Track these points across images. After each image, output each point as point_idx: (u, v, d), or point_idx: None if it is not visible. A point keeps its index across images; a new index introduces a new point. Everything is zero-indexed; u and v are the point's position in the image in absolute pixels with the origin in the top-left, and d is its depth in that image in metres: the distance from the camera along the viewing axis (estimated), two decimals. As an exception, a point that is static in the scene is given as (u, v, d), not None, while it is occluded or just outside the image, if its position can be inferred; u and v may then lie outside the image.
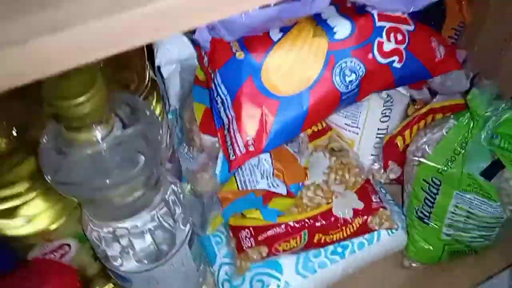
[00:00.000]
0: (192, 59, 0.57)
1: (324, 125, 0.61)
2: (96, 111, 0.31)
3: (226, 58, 0.49)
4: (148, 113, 0.38)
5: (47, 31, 0.19)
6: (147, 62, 0.46)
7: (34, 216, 0.42)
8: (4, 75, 0.20)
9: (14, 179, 0.40)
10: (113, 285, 0.54)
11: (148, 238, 0.42)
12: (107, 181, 0.34)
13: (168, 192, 0.44)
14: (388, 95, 0.60)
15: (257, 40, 0.50)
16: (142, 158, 0.36)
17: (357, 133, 0.60)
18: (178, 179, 0.57)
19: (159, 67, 0.58)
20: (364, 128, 0.59)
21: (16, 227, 0.42)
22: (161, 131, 0.38)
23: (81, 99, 0.30)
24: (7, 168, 0.40)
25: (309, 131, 0.59)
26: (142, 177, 0.37)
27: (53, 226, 0.43)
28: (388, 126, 0.60)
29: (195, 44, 0.52)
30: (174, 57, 0.56)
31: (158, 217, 0.43)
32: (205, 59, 0.51)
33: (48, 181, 0.34)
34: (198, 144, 0.53)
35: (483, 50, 0.65)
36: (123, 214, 0.40)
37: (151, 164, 0.37)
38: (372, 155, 0.61)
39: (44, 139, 0.34)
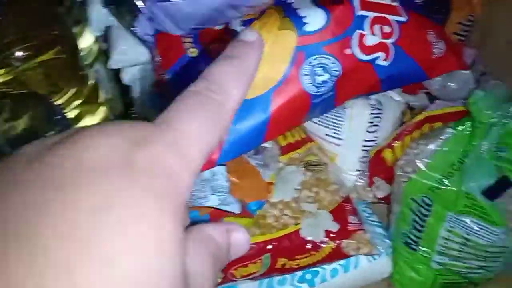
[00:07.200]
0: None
1: (302, 136, 0.54)
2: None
3: (177, 56, 0.43)
4: None
5: None
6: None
7: None
8: None
9: None
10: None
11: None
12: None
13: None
14: (377, 101, 0.52)
15: (213, 35, 0.43)
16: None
17: (340, 145, 0.52)
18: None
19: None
20: (347, 139, 0.52)
21: None
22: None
23: None
24: None
25: (284, 142, 0.52)
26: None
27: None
28: (376, 137, 0.52)
29: (148, 46, 0.46)
30: (131, 59, 0.51)
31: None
32: (157, 59, 0.45)
33: None
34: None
35: (494, 49, 0.56)
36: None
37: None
38: (357, 170, 0.53)
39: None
